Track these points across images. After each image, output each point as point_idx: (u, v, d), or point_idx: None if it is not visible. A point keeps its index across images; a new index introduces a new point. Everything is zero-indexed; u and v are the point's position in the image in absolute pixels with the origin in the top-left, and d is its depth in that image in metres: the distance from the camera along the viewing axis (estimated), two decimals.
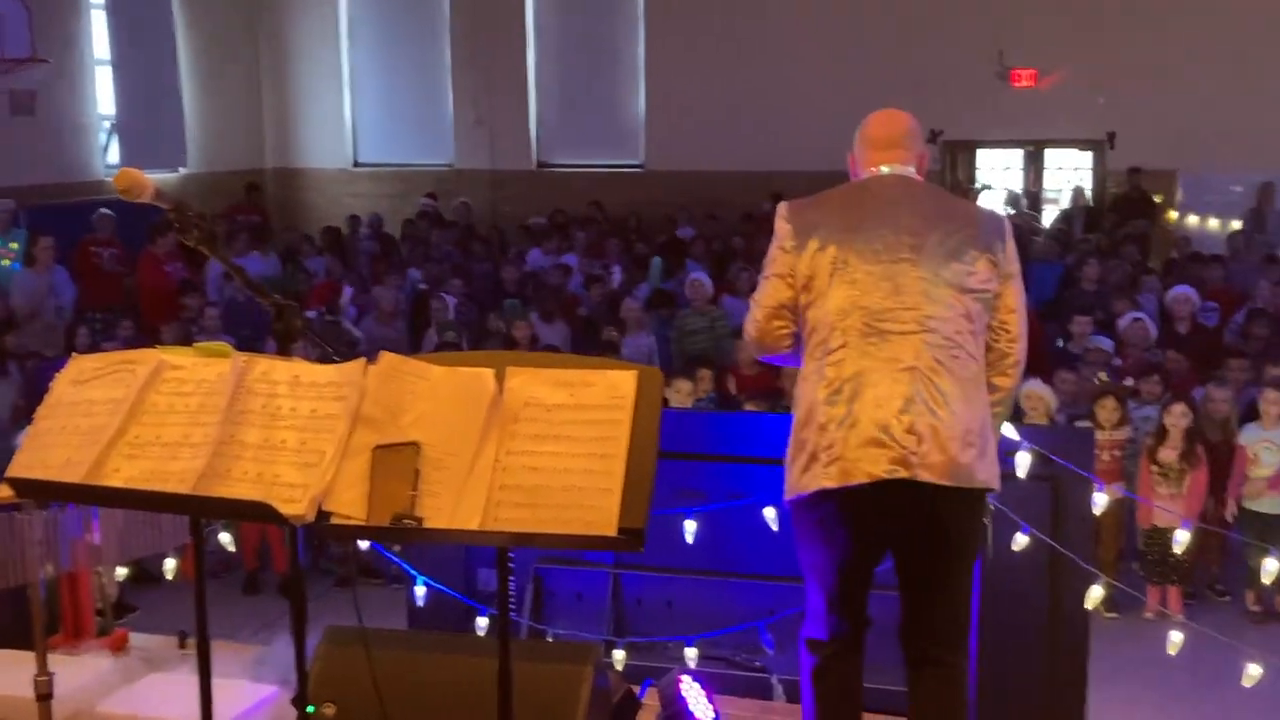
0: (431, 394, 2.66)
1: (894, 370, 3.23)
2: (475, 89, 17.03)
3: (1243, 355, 8.77)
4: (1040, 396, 7.47)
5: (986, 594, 3.77)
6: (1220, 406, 7.73)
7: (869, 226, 3.35)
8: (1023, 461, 3.88)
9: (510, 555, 2.75)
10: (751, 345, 3.59)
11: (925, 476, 3.16)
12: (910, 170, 3.50)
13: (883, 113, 3.61)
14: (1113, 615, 7.20)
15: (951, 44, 14.78)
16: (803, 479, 3.28)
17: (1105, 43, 14.60)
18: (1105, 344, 9.22)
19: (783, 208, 3.48)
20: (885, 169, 3.49)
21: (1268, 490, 7.40)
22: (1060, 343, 9.61)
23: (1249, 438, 7.48)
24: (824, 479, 3.22)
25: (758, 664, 4.67)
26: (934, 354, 3.24)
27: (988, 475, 3.29)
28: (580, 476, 2.52)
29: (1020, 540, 3.90)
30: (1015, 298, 3.43)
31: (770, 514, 4.36)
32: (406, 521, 2.48)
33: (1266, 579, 5.52)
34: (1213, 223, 14.57)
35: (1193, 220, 14.82)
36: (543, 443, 2.58)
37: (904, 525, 3.28)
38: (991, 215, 3.57)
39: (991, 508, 3.83)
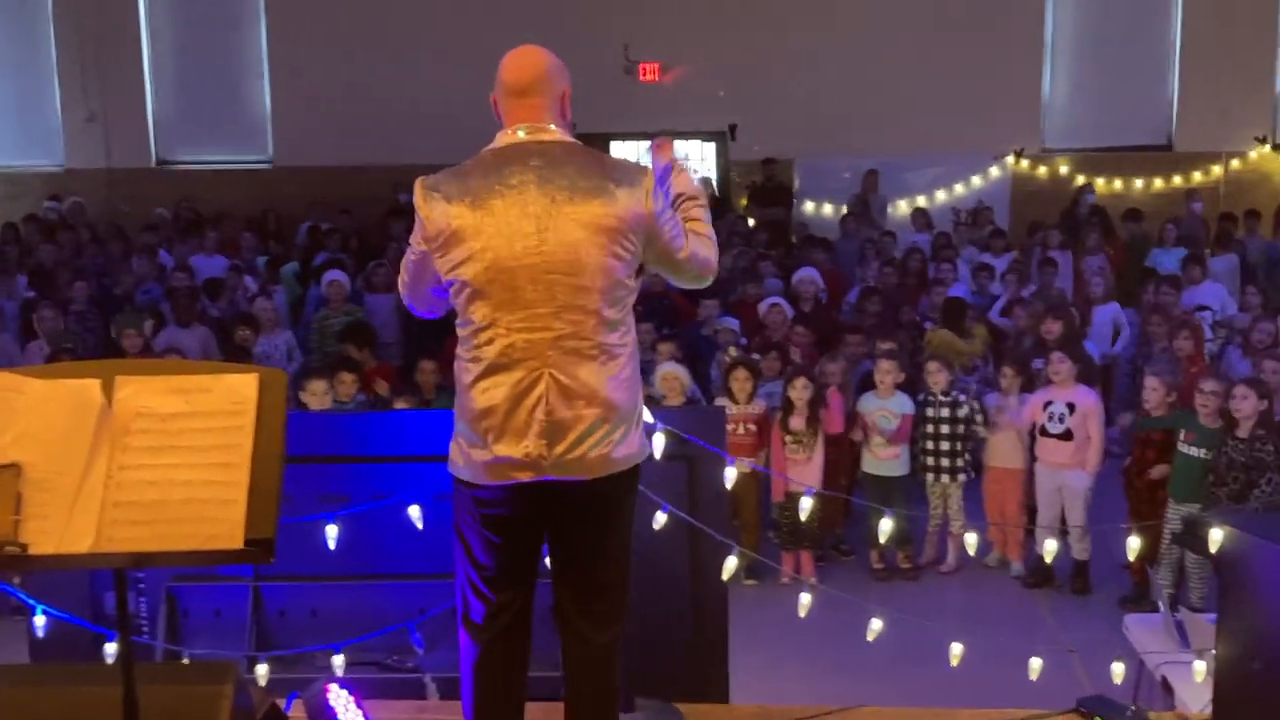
0: (32, 410, 2.46)
1: None
2: (86, 83, 15.96)
3: (859, 331, 9.41)
4: (676, 377, 7.75)
5: (633, 572, 3.85)
6: (835, 378, 8.25)
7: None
8: (659, 442, 3.99)
9: (139, 575, 2.58)
10: None
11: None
12: (549, 128, 3.40)
13: (518, 54, 3.47)
14: (752, 583, 7.57)
15: (579, 38, 15.03)
16: None
17: (725, 37, 15.29)
18: (732, 324, 9.68)
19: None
20: (522, 132, 3.38)
21: (885, 454, 7.98)
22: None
23: (866, 406, 8.03)
24: None
25: (410, 665, 4.61)
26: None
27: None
28: (202, 488, 2.39)
29: (660, 518, 4.01)
30: None
31: (415, 512, 4.31)
32: (9, 549, 2.29)
33: (884, 538, 5.93)
34: (827, 208, 15.54)
35: (810, 206, 15.76)
36: (159, 455, 2.43)
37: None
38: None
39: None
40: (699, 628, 4.40)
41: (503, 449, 3.25)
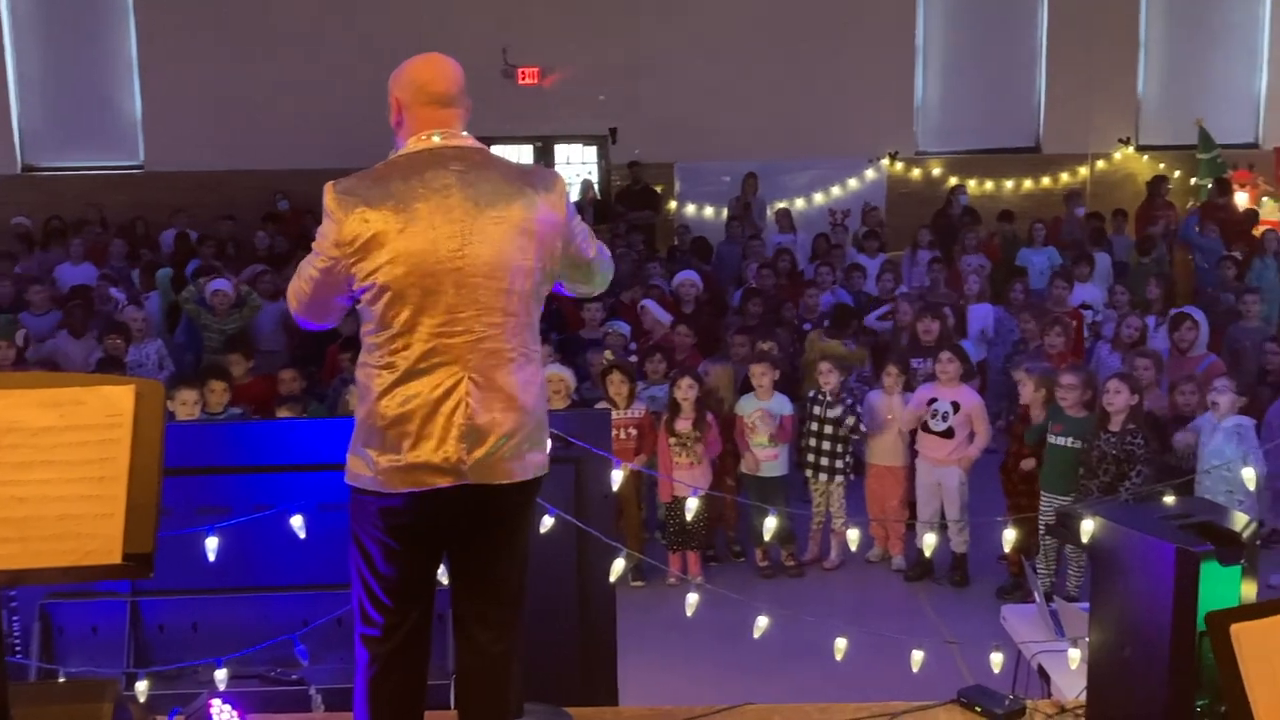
0: None
1: None
2: None
3: (742, 332, 9.49)
4: (562, 380, 7.73)
5: None
6: (721, 380, 8.33)
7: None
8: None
9: (11, 593, 2.51)
10: None
11: None
12: (464, 135, 3.39)
13: (436, 61, 3.43)
14: (640, 584, 7.61)
15: (458, 42, 14.96)
16: None
17: (604, 41, 15.34)
18: (623, 328, 9.71)
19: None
20: (438, 138, 3.34)
21: (765, 455, 8.06)
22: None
23: (745, 408, 8.10)
24: None
25: (294, 677, 4.54)
26: None
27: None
28: (76, 504, 2.33)
29: (547, 522, 4.01)
30: None
31: (298, 522, 4.25)
32: None
33: (767, 536, 6.00)
34: (708, 210, 15.68)
35: (690, 209, 15.88)
36: (30, 470, 2.36)
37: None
38: None
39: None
40: (587, 631, 4.41)
41: (420, 455, 3.20)
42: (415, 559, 3.34)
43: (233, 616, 4.59)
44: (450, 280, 3.20)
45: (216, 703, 3.75)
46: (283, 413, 7.49)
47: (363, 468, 3.28)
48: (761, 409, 7.99)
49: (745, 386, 8.49)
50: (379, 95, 3.51)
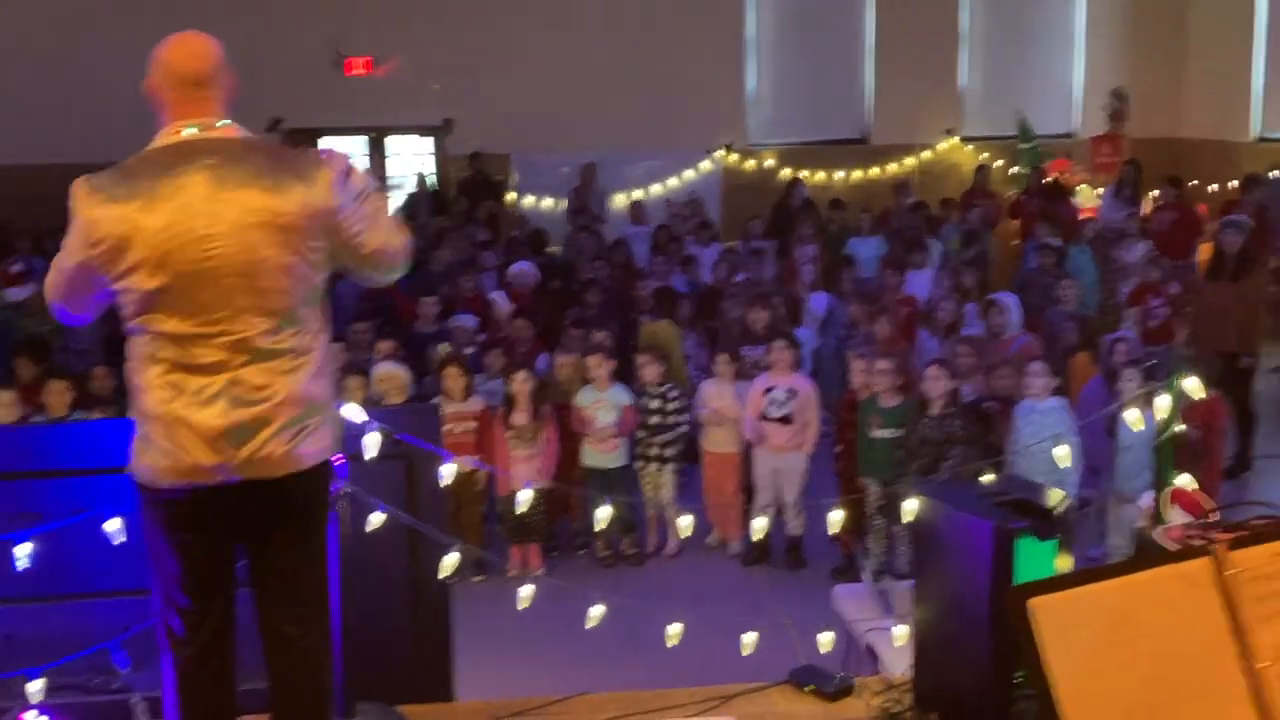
0: None
1: None
2: None
3: (581, 324, 9.49)
4: (395, 376, 7.64)
5: (348, 574, 3.78)
6: (565, 371, 8.32)
7: None
8: (372, 443, 3.93)
9: None
10: None
11: None
12: (223, 123, 3.28)
13: (186, 40, 3.30)
14: (480, 579, 7.56)
15: (286, 31, 14.64)
16: None
17: (437, 31, 15.15)
18: (470, 322, 9.63)
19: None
20: (194, 128, 3.22)
21: (606, 446, 8.07)
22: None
23: (584, 399, 8.10)
24: None
25: (115, 686, 4.39)
26: None
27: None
28: None
29: (376, 519, 3.95)
30: None
31: (113, 526, 4.10)
32: None
33: (599, 527, 6.02)
34: (546, 201, 15.64)
35: (529, 200, 15.82)
36: None
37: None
38: None
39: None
40: (421, 628, 4.36)
41: (188, 452, 3.15)
42: (203, 555, 3.28)
43: (48, 625, 4.43)
44: (202, 278, 3.12)
45: (32, 714, 3.61)
46: (97, 414, 7.22)
47: (141, 465, 3.23)
48: (600, 399, 8.01)
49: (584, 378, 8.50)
50: None
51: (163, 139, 3.25)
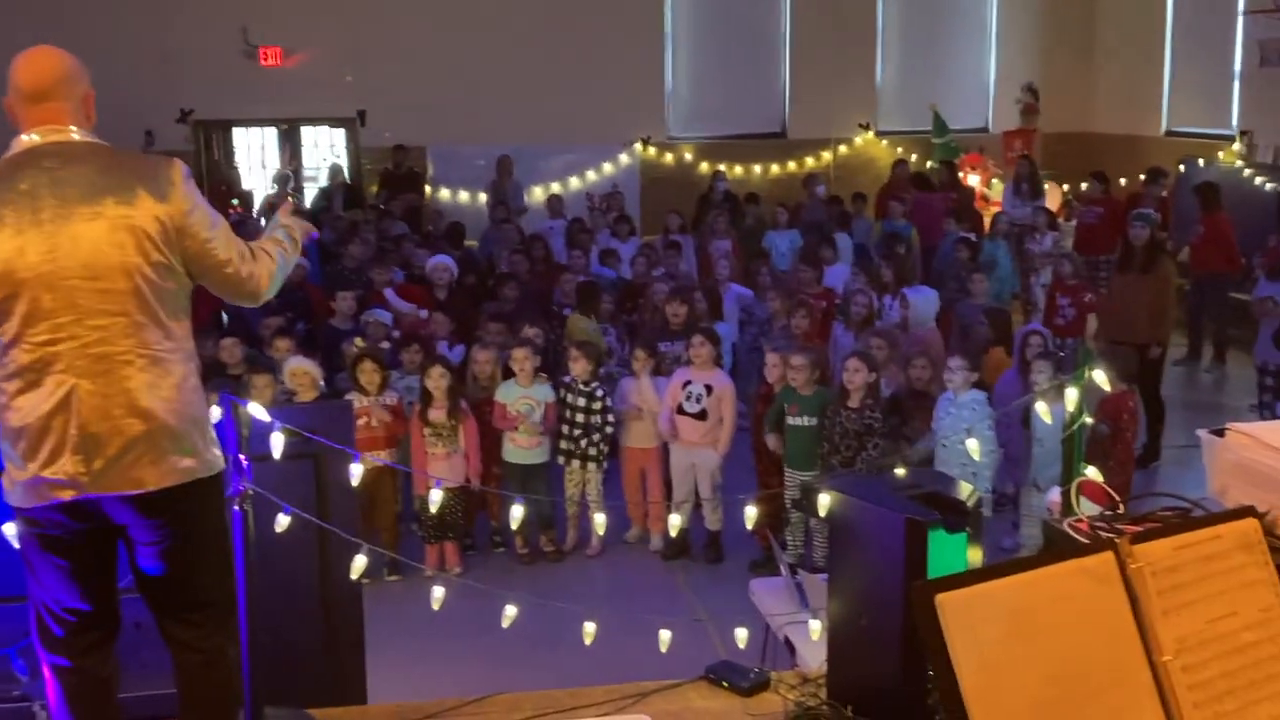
0: None
1: None
2: None
3: (500, 318, 9.40)
4: (306, 372, 7.51)
5: (255, 577, 3.69)
6: (484, 366, 8.23)
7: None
8: (279, 442, 3.84)
9: None
10: None
11: None
12: (68, 129, 3.23)
13: (33, 55, 3.27)
14: (396, 578, 7.47)
15: (196, 21, 14.38)
16: None
17: (351, 22, 14.97)
18: (384, 317, 9.51)
19: None
20: (36, 136, 3.19)
21: (530, 443, 8.00)
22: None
23: (505, 394, 8.02)
24: None
25: (16, 694, 4.26)
26: None
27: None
28: None
29: (282, 521, 3.86)
30: None
31: (10, 530, 3.96)
32: None
33: (514, 525, 5.97)
34: (463, 195, 15.52)
35: (445, 193, 15.69)
36: None
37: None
38: None
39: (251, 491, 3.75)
40: (332, 630, 4.29)
41: (39, 468, 3.08)
42: (78, 569, 3.22)
43: None
44: (43, 286, 3.05)
45: None
46: None
47: (5, 478, 3.20)
48: (525, 394, 7.94)
49: (507, 373, 8.41)
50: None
51: (13, 148, 3.22)
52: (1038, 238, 12.00)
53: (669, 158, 16.37)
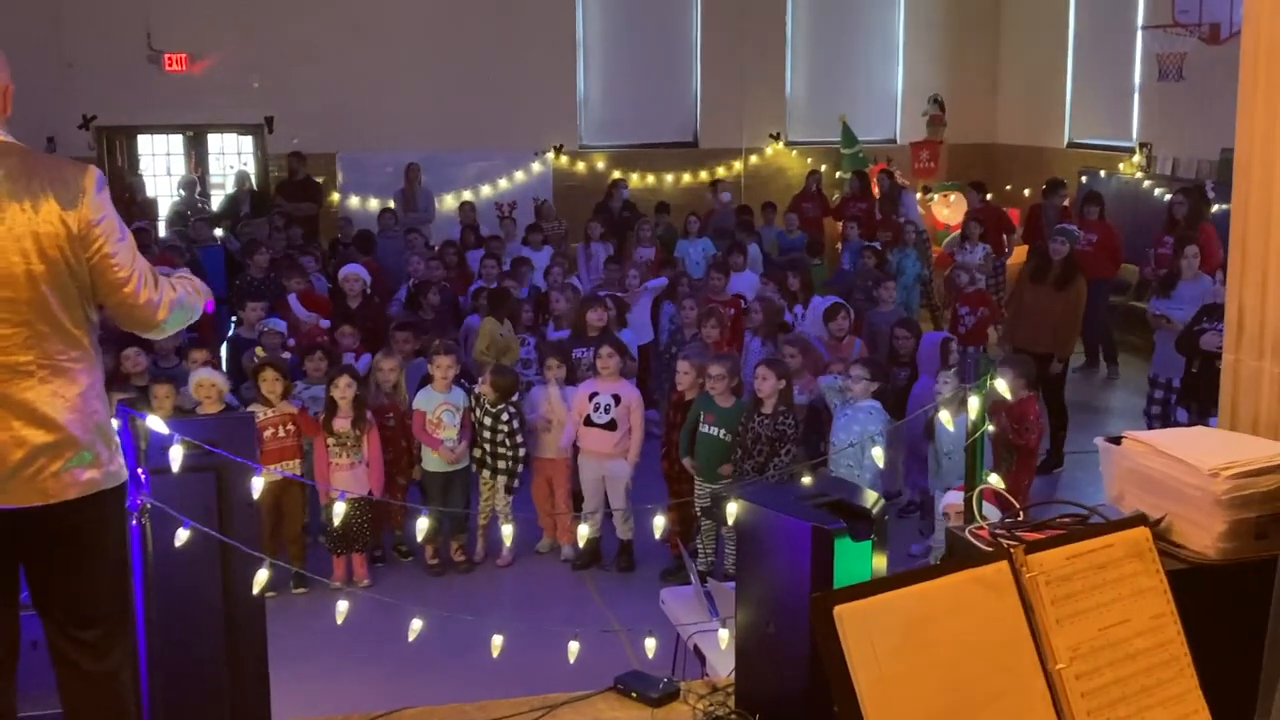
0: None
1: None
2: None
3: (411, 326, 9.31)
4: (213, 384, 7.39)
5: (154, 593, 3.62)
6: (389, 375, 8.14)
7: None
8: (178, 455, 3.76)
9: None
10: None
11: None
12: None
13: None
14: (302, 590, 7.36)
15: (98, 26, 14.11)
16: None
17: (259, 28, 14.79)
18: (279, 325, 9.39)
19: None
20: None
21: (452, 456, 7.90)
22: (232, 329, 9.63)
23: (425, 402, 7.90)
24: None
25: None
26: None
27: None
28: None
29: (182, 535, 3.79)
30: None
31: None
32: None
33: (420, 537, 5.92)
34: (372, 203, 15.38)
35: (354, 201, 15.53)
36: None
37: None
38: None
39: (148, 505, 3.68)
40: (233, 646, 4.19)
41: None
42: None
43: None
44: None
45: None
46: None
47: None
48: (444, 401, 7.85)
49: (423, 381, 8.30)
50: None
51: None
52: (968, 248, 12.19)
53: (580, 166, 16.37)
